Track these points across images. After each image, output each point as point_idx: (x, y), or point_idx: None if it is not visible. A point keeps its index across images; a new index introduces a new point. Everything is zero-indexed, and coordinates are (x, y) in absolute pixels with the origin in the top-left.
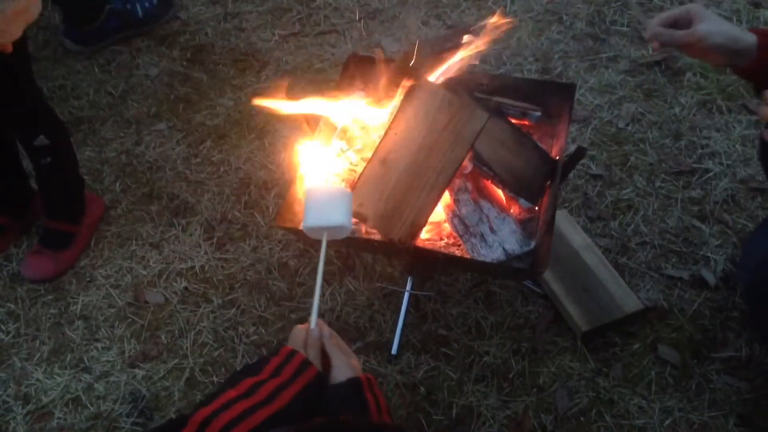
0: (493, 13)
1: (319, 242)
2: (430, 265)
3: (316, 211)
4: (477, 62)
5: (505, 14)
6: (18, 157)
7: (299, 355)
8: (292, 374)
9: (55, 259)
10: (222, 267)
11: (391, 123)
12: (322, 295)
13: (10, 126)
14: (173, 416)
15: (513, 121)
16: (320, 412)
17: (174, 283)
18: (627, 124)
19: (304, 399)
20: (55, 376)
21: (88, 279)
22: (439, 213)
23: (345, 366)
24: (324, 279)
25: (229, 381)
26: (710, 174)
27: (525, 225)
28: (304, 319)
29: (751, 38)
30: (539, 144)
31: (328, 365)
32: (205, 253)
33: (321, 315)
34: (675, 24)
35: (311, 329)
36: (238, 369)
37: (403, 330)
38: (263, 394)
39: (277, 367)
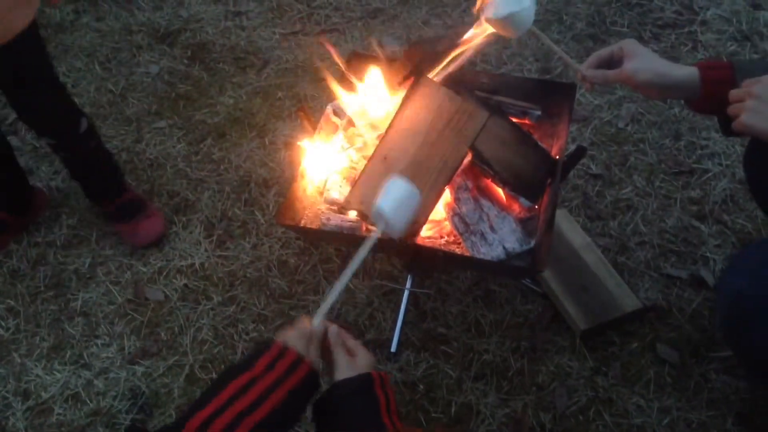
0: None
1: (317, 242)
2: (430, 263)
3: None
4: (478, 61)
5: None
6: (13, 153)
7: (292, 350)
8: (286, 370)
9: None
10: (222, 264)
11: (392, 121)
12: (323, 292)
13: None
14: (168, 423)
15: (513, 120)
16: (329, 409)
17: (174, 280)
18: (627, 124)
19: (297, 396)
20: (54, 372)
21: (88, 276)
22: (440, 211)
23: (345, 365)
24: (324, 277)
25: (222, 377)
26: (709, 174)
27: (525, 224)
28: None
29: (684, 72)
30: (539, 143)
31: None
32: (205, 250)
33: None
34: (609, 62)
35: (315, 326)
36: (233, 364)
37: (402, 328)
38: (257, 392)
39: (270, 362)
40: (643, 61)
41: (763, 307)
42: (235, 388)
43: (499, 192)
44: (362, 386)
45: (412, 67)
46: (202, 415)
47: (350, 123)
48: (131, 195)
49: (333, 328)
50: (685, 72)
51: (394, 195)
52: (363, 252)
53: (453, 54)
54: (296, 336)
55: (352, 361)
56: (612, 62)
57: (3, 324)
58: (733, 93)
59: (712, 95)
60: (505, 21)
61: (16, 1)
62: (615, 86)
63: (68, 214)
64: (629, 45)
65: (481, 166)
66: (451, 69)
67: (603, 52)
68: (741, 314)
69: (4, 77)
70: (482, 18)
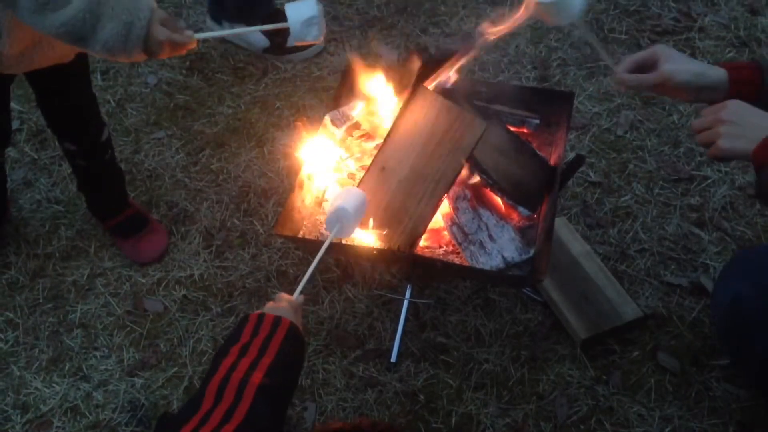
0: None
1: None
2: (429, 272)
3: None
4: (476, 69)
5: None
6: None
7: (268, 315)
8: (270, 329)
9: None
10: (221, 275)
11: (390, 131)
12: (322, 302)
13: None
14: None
15: (512, 129)
16: None
17: (173, 291)
18: (625, 132)
19: (289, 346)
20: (53, 385)
21: (86, 287)
22: (438, 221)
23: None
24: (323, 287)
25: (219, 353)
26: (709, 181)
27: (524, 233)
28: (303, 327)
29: (718, 72)
30: (538, 152)
31: None
32: (204, 261)
33: (320, 323)
34: (642, 67)
35: (296, 298)
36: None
37: (402, 338)
38: (255, 351)
39: (254, 329)
40: (679, 62)
41: (762, 312)
42: (235, 354)
43: (498, 201)
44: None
45: (410, 77)
46: (218, 378)
47: (349, 133)
48: (134, 210)
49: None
50: (719, 73)
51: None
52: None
53: (452, 62)
54: (280, 308)
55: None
56: (644, 67)
57: (2, 336)
58: (698, 123)
59: (739, 96)
60: (555, 6)
61: None
62: (615, 93)
63: (67, 225)
64: (663, 49)
65: (480, 175)
66: (451, 71)
67: (637, 56)
68: (740, 319)
69: (54, 88)
70: (530, 2)
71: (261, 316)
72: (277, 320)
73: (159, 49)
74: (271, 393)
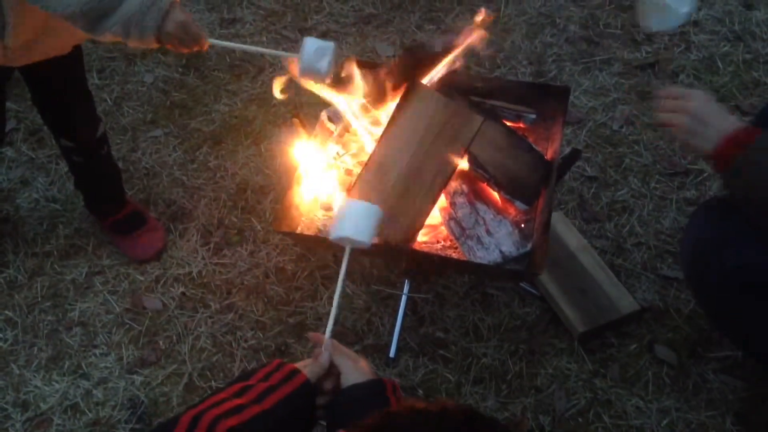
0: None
1: (313, 248)
2: (427, 268)
3: (343, 223)
4: (471, 64)
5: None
6: None
7: (289, 365)
8: (281, 380)
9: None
10: (219, 272)
11: (387, 127)
12: (321, 298)
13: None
14: (162, 420)
15: (508, 124)
16: (342, 411)
17: (171, 289)
18: (621, 126)
19: (292, 402)
20: (53, 383)
21: (85, 286)
22: (436, 216)
23: (352, 370)
24: (322, 283)
25: (220, 388)
26: (704, 175)
27: (521, 227)
28: (302, 323)
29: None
30: (534, 146)
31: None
32: (203, 258)
33: (319, 319)
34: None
35: (327, 338)
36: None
37: (400, 333)
38: (252, 395)
39: (267, 374)
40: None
41: (717, 244)
42: (233, 390)
43: (495, 196)
44: (375, 390)
45: (406, 73)
46: (195, 411)
47: (345, 129)
48: (132, 208)
49: (327, 341)
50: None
51: (350, 217)
52: (343, 271)
53: (446, 58)
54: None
55: (357, 367)
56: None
57: (1, 335)
58: (668, 104)
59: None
60: None
61: None
62: (611, 88)
63: (65, 224)
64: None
65: (477, 170)
66: (443, 73)
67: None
68: (700, 256)
69: (49, 83)
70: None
71: (281, 365)
72: (292, 372)
73: (172, 33)
74: None
